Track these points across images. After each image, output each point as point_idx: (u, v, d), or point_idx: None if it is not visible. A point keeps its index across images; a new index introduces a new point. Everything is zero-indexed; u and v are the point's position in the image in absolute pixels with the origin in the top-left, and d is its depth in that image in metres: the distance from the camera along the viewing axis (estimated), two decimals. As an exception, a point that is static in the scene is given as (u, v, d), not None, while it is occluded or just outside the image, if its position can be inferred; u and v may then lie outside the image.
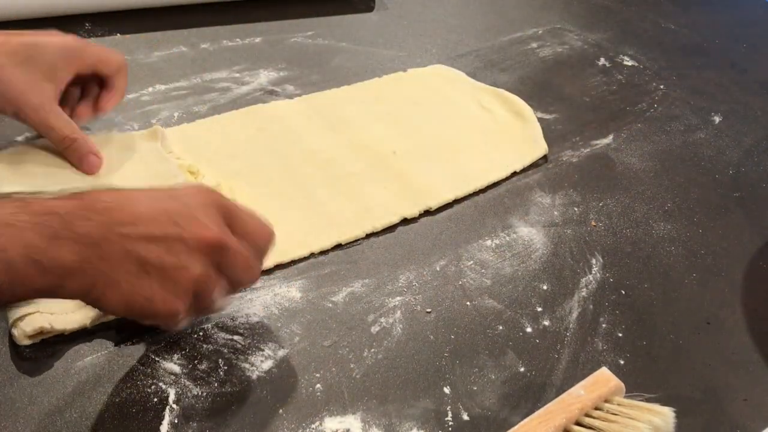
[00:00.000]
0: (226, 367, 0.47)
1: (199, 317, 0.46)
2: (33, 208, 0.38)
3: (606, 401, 0.45)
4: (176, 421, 0.44)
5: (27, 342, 0.46)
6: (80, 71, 0.56)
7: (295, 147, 0.66)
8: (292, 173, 0.63)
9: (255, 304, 0.52)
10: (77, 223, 0.38)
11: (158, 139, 0.61)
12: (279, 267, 0.55)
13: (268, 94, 0.73)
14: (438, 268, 0.57)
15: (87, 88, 0.60)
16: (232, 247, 0.43)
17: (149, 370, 0.46)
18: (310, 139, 0.67)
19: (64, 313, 0.47)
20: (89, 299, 0.40)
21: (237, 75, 0.76)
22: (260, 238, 0.46)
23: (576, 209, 0.64)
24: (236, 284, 0.45)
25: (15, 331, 0.46)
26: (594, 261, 0.59)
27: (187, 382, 0.46)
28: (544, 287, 0.56)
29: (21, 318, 0.46)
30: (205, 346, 0.48)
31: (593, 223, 0.63)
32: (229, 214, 0.44)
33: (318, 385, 0.47)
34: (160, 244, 0.40)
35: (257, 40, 0.83)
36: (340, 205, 0.60)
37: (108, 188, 0.43)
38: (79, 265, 0.38)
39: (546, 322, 0.53)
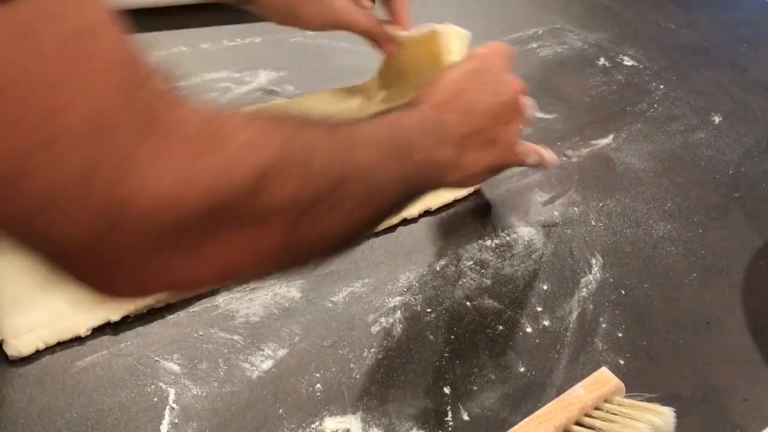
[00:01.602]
0: (226, 367, 0.47)
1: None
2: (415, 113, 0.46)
3: (606, 401, 0.45)
4: (176, 421, 0.44)
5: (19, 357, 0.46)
6: None
7: None
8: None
9: (255, 304, 0.52)
10: (447, 132, 0.47)
11: None
12: (279, 267, 0.55)
13: (268, 94, 0.73)
14: (438, 268, 0.57)
15: None
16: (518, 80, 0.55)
17: (149, 370, 0.46)
18: None
19: (56, 323, 0.47)
20: (462, 185, 0.53)
21: (237, 75, 0.76)
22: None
23: (576, 209, 0.64)
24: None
25: (6, 348, 0.46)
26: (594, 261, 0.59)
27: (187, 382, 0.46)
28: (544, 287, 0.56)
29: (15, 336, 0.46)
30: (205, 346, 0.48)
31: (593, 223, 0.63)
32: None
33: (318, 385, 0.47)
34: (499, 120, 0.51)
35: (257, 40, 0.83)
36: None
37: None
38: (455, 162, 0.47)
39: (546, 322, 0.53)
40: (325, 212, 0.34)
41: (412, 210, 0.60)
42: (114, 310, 0.48)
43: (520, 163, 0.56)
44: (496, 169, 0.53)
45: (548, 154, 0.58)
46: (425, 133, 0.45)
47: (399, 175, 0.41)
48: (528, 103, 0.54)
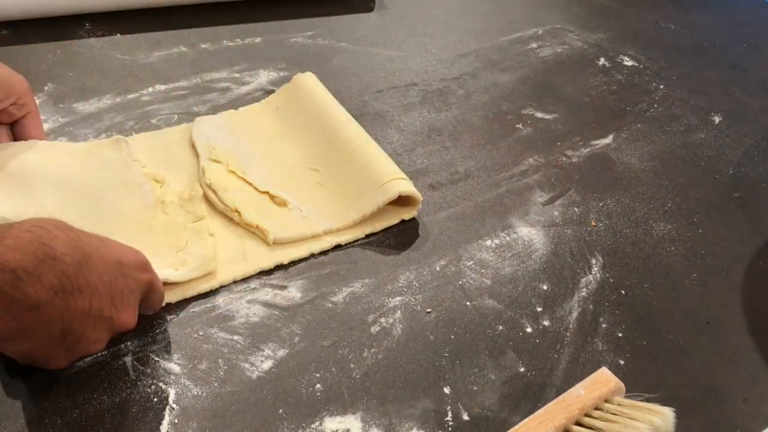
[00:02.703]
0: (226, 367, 0.47)
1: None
2: None
3: (606, 401, 0.45)
4: (176, 421, 0.44)
5: None
6: (9, 114, 0.56)
7: (282, 149, 0.65)
8: (287, 173, 0.63)
9: (255, 304, 0.52)
10: (28, 285, 0.37)
11: (122, 148, 0.60)
12: (279, 267, 0.55)
13: (268, 94, 0.73)
14: (438, 268, 0.57)
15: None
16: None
17: (149, 370, 0.47)
18: (286, 145, 0.66)
19: None
20: None
21: (237, 75, 0.76)
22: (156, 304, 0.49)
23: (576, 209, 0.64)
24: None
25: None
26: (594, 261, 0.59)
27: (187, 382, 0.46)
28: (544, 287, 0.56)
29: None
30: (205, 346, 0.48)
31: (593, 223, 0.63)
32: (149, 290, 0.46)
33: (318, 385, 0.47)
34: (90, 319, 0.41)
35: (257, 40, 0.83)
36: (337, 205, 0.60)
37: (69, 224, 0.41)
38: (7, 333, 0.38)
39: (546, 322, 0.53)
40: None
41: (392, 219, 0.60)
42: None
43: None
44: (37, 364, 0.43)
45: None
46: None
47: None
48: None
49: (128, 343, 0.48)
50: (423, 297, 0.54)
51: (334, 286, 0.54)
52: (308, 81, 0.70)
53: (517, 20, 0.95)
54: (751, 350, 0.53)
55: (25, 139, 0.57)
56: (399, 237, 0.59)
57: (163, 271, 0.51)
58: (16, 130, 0.58)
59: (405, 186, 0.58)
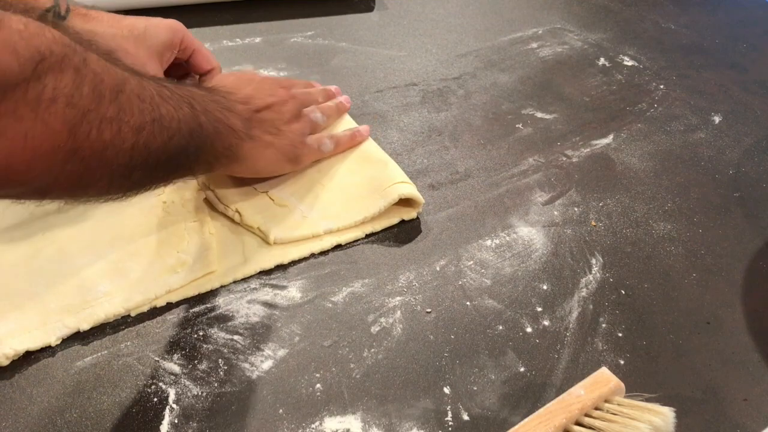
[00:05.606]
0: (226, 367, 0.47)
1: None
2: (207, 89, 0.51)
3: (606, 401, 0.45)
4: (176, 421, 0.44)
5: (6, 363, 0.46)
6: (179, 57, 0.62)
7: None
8: (288, 173, 0.63)
9: (255, 304, 0.52)
10: (235, 106, 0.52)
11: None
12: (279, 267, 0.55)
13: (268, 94, 0.73)
14: (438, 268, 0.57)
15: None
16: (297, 92, 0.62)
17: (149, 370, 0.47)
18: None
19: (25, 333, 0.47)
20: (256, 168, 0.56)
21: (237, 75, 0.76)
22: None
23: (576, 209, 0.64)
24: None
25: None
26: (594, 261, 0.59)
27: (187, 382, 0.46)
28: (544, 287, 0.56)
29: None
30: (205, 346, 0.49)
31: (593, 223, 0.63)
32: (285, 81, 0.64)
33: (318, 385, 0.47)
34: (279, 116, 0.57)
35: (257, 40, 0.83)
36: (338, 206, 0.60)
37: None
38: (245, 133, 0.52)
39: (546, 322, 0.53)
40: (108, 122, 0.35)
41: (392, 219, 0.60)
42: (84, 320, 0.48)
43: (318, 153, 0.61)
44: (291, 157, 0.57)
45: (351, 135, 0.64)
46: (216, 101, 0.50)
47: (190, 116, 0.44)
48: (313, 112, 0.62)
49: (128, 343, 0.48)
50: (423, 297, 0.54)
51: (334, 286, 0.54)
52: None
53: (517, 20, 0.95)
54: (751, 350, 0.53)
55: (199, 73, 0.64)
56: (399, 237, 0.59)
57: (164, 279, 0.51)
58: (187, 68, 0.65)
59: (407, 189, 0.58)
